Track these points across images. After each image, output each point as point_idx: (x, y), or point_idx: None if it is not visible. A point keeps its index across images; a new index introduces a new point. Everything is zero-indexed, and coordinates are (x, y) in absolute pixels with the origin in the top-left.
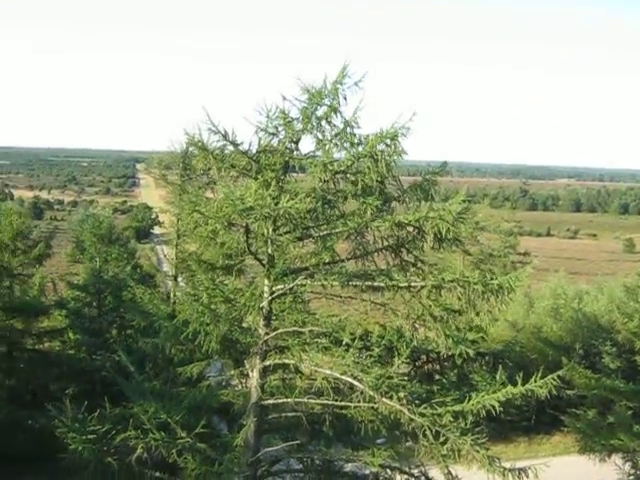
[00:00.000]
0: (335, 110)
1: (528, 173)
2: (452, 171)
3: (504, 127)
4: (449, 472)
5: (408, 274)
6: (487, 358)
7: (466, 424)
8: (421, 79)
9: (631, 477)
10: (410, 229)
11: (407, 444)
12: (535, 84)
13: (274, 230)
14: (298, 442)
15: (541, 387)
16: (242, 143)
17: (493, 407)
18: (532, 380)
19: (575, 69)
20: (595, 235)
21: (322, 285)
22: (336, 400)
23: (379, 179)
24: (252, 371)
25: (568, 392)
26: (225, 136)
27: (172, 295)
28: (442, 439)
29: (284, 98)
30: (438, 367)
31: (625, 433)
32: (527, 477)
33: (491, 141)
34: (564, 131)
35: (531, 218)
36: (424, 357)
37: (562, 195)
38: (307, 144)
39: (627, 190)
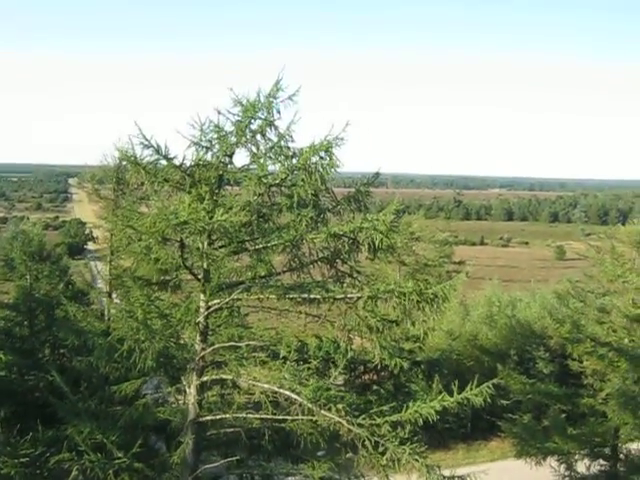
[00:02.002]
0: (269, 123)
1: (461, 184)
2: (388, 182)
3: (438, 139)
4: None
5: (344, 285)
6: (423, 367)
7: (404, 433)
8: (358, 91)
9: (566, 478)
10: (345, 240)
11: (347, 455)
12: (466, 96)
13: (209, 244)
14: (237, 458)
15: (477, 395)
16: (175, 157)
17: (430, 416)
18: (468, 389)
19: (503, 82)
20: (527, 243)
21: (258, 299)
22: (275, 414)
23: (313, 191)
24: (189, 387)
25: (503, 401)
26: (158, 150)
27: (107, 312)
28: (381, 449)
29: (219, 112)
30: (375, 377)
31: (559, 436)
32: None
33: (425, 153)
34: (496, 142)
35: (465, 227)
36: (361, 368)
37: (494, 204)
38: (241, 157)
39: (556, 199)
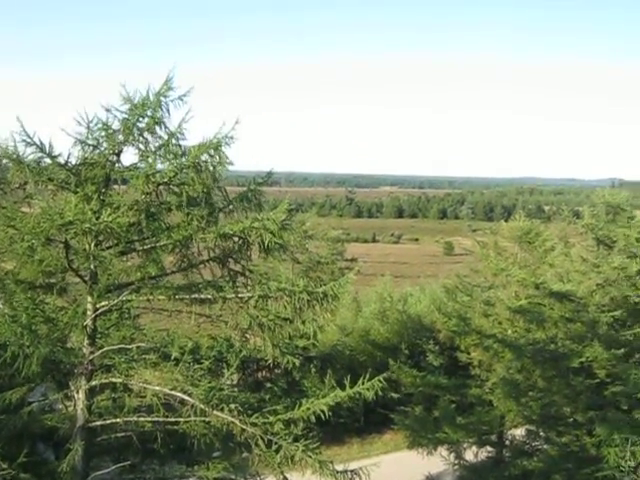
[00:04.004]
0: (158, 122)
1: (353, 182)
2: (281, 181)
3: (331, 138)
4: (285, 478)
5: (236, 285)
6: (317, 363)
7: (298, 430)
8: (252, 92)
9: (456, 466)
10: (236, 240)
11: (242, 455)
12: (357, 96)
13: (96, 245)
14: (130, 462)
15: (368, 389)
16: (60, 155)
17: (323, 412)
18: (360, 383)
19: (392, 81)
20: (417, 239)
21: (148, 300)
22: (167, 416)
23: (204, 190)
24: (77, 393)
25: (394, 394)
26: (41, 148)
27: None
28: (275, 447)
29: (106, 109)
30: (269, 375)
31: (449, 426)
32: (359, 478)
33: (319, 152)
34: (387, 141)
35: (357, 225)
36: (254, 366)
37: (385, 202)
38: (130, 156)
39: (445, 196)
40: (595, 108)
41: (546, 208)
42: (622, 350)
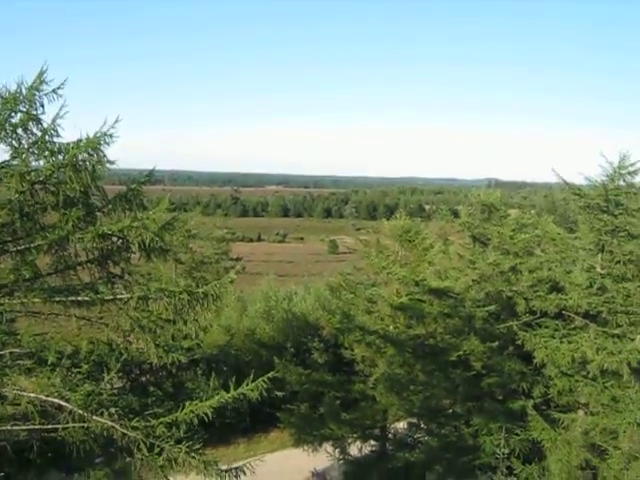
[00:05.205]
0: (32, 117)
1: (239, 181)
2: (165, 179)
3: (216, 136)
4: None
5: (115, 286)
6: (202, 365)
7: (180, 433)
8: (135, 84)
9: (341, 461)
10: (115, 240)
11: (126, 460)
12: (244, 96)
13: None
14: (3, 474)
15: (252, 390)
16: None
17: (206, 414)
18: (244, 384)
19: (277, 83)
20: (302, 238)
21: (22, 303)
22: (44, 424)
23: (82, 189)
24: None
25: (279, 393)
26: None
27: None
28: (157, 450)
29: None
30: (153, 378)
31: (334, 422)
32: (244, 474)
33: (204, 150)
34: (272, 140)
35: (242, 224)
36: (138, 370)
37: (271, 201)
38: (1, 153)
39: (329, 195)
40: (475, 111)
41: (426, 207)
42: (496, 343)
